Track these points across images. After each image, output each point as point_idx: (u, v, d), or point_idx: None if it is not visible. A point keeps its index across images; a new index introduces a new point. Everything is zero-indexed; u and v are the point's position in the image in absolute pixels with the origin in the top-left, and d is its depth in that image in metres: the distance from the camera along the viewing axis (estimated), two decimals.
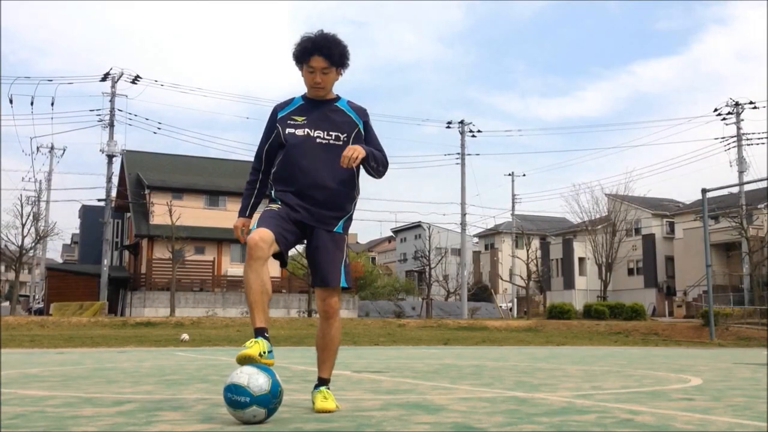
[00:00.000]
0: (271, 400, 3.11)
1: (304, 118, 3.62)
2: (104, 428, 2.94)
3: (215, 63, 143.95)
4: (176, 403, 3.93)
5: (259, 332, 3.29)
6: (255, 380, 3.09)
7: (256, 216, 3.62)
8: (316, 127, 3.59)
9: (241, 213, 3.78)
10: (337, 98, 3.72)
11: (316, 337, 3.68)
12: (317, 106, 3.65)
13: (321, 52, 3.51)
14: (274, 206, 3.57)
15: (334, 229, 3.59)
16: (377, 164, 3.64)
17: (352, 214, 3.69)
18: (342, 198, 3.61)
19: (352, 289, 3.64)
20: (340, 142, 3.58)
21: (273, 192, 3.65)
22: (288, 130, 3.61)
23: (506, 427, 3.04)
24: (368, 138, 3.70)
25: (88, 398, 4.16)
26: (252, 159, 3.89)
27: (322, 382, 3.63)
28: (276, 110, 3.72)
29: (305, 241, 3.63)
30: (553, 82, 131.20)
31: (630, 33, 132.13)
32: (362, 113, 3.70)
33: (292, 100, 3.73)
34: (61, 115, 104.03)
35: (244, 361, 3.17)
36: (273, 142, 3.68)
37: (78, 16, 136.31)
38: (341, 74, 3.64)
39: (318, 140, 3.57)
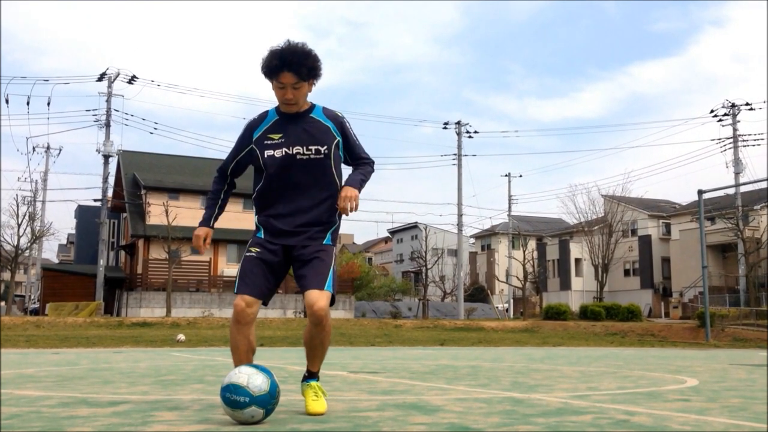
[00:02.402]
0: (270, 400, 3.11)
1: (280, 135, 3.49)
2: (100, 428, 2.93)
3: (212, 63, 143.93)
4: (172, 403, 3.93)
5: None
6: (254, 380, 3.09)
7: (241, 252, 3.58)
8: (295, 144, 3.46)
9: (205, 223, 3.65)
10: (312, 107, 3.57)
11: (305, 336, 3.55)
12: (293, 119, 3.51)
13: (290, 68, 3.35)
14: (254, 251, 3.49)
15: (323, 242, 3.51)
16: (366, 183, 3.60)
17: (339, 225, 3.60)
18: (327, 213, 3.52)
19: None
20: (321, 156, 3.47)
21: (257, 218, 3.59)
22: (267, 153, 3.49)
23: (502, 428, 3.04)
24: (349, 147, 3.59)
25: (83, 398, 4.15)
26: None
27: (312, 375, 3.57)
28: (251, 129, 3.56)
29: (293, 262, 3.53)
30: (550, 83, 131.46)
31: (627, 34, 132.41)
32: (338, 123, 3.56)
33: (266, 114, 3.59)
34: (57, 115, 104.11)
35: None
36: (241, 160, 3.60)
37: (74, 15, 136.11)
38: (314, 85, 3.50)
39: (298, 157, 3.46)
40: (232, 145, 3.70)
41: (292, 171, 3.48)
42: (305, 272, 3.45)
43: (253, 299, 3.40)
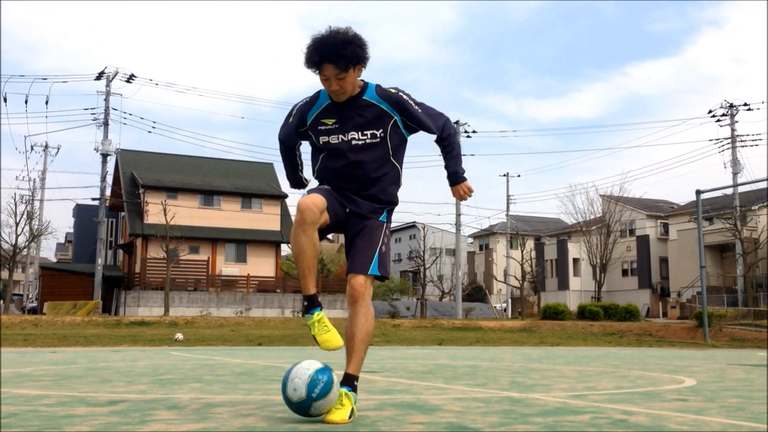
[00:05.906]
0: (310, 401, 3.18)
1: (334, 120, 3.40)
2: (98, 427, 2.93)
3: (211, 62, 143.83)
4: (170, 402, 3.92)
5: (312, 300, 3.35)
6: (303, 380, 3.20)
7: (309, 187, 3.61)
8: (350, 129, 3.39)
9: (298, 185, 3.76)
10: (365, 89, 3.42)
11: (345, 325, 3.40)
12: (345, 103, 3.39)
13: (330, 60, 3.23)
14: (326, 186, 3.49)
15: (379, 219, 3.48)
16: (461, 156, 3.66)
17: (397, 203, 3.59)
18: (386, 194, 3.50)
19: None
20: (378, 140, 3.40)
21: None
22: (322, 139, 3.43)
23: (500, 428, 3.04)
24: (415, 119, 3.45)
25: (81, 397, 4.14)
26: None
27: (347, 379, 3.30)
28: (303, 113, 3.48)
29: (346, 230, 3.50)
30: (548, 84, 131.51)
31: (624, 34, 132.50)
32: (393, 101, 3.41)
33: (317, 96, 3.47)
34: (56, 114, 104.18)
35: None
36: (300, 135, 3.55)
37: (73, 14, 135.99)
38: (363, 68, 3.36)
39: (354, 142, 3.39)
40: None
41: (350, 156, 3.41)
42: (353, 250, 3.42)
43: (322, 202, 3.29)
